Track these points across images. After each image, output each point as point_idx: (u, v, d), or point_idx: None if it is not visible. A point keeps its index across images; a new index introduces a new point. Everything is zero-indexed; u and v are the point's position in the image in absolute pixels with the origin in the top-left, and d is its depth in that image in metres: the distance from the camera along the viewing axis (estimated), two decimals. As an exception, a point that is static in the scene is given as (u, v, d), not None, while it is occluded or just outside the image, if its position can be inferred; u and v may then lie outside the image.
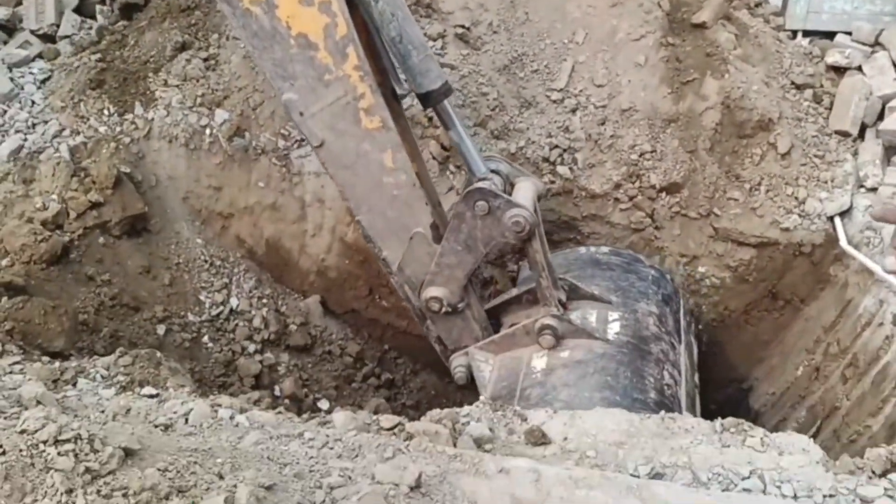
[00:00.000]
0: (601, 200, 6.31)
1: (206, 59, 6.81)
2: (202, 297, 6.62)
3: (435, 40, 6.46)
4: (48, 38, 7.64)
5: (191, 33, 6.94)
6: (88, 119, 6.61)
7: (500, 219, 4.60)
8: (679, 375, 5.15)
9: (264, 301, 6.90)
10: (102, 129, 6.57)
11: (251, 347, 6.71)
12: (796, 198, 6.26)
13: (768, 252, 6.32)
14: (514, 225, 4.58)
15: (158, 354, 4.50)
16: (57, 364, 4.26)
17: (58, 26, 7.66)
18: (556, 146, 6.31)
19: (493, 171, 4.93)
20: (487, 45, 6.57)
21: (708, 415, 4.43)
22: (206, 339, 6.52)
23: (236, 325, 6.69)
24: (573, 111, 6.40)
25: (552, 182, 6.28)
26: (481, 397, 4.45)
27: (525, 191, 4.88)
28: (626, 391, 4.71)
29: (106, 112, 6.66)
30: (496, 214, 4.59)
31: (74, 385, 4.06)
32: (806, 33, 7.46)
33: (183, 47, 6.86)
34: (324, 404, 6.59)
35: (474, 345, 5.16)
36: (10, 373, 3.98)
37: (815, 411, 5.90)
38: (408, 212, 4.68)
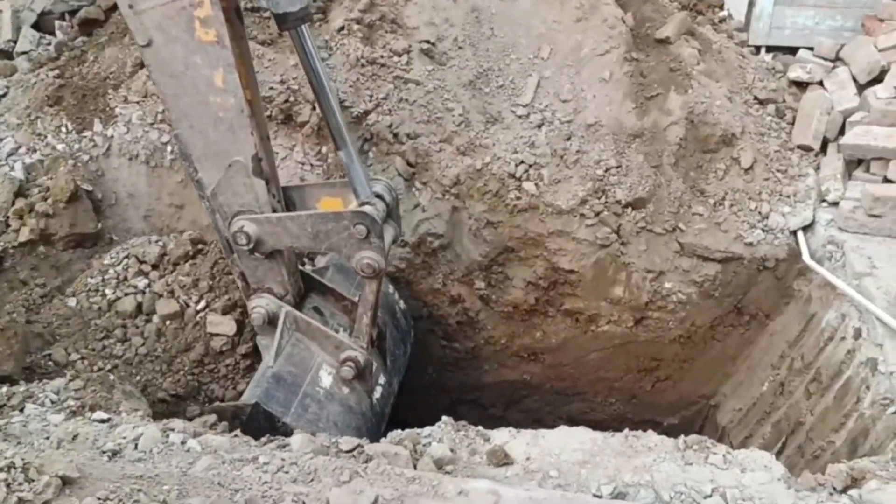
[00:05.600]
0: (567, 216, 6.28)
1: (167, 76, 6.72)
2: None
3: (400, 56, 6.43)
4: (5, 55, 7.49)
5: (152, 49, 6.84)
6: (45, 136, 6.46)
7: (360, 250, 4.71)
8: None
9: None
10: (60, 146, 6.42)
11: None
12: (759, 212, 6.29)
13: (733, 267, 6.33)
14: (366, 266, 4.73)
15: (112, 377, 4.37)
16: (4, 389, 4.12)
17: (15, 42, 7.53)
18: (522, 162, 6.28)
19: (377, 195, 4.96)
20: (453, 61, 6.54)
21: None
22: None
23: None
24: (539, 126, 6.39)
25: (518, 198, 6.24)
26: (271, 359, 4.79)
27: (386, 235, 4.98)
28: None
29: (64, 129, 6.52)
30: (362, 246, 4.69)
31: (22, 410, 3.92)
32: (769, 49, 7.55)
33: (143, 64, 6.76)
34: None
35: (292, 309, 5.11)
36: (-46, 399, 3.84)
37: (781, 427, 5.88)
38: (231, 137, 4.49)
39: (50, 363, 5.22)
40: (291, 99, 6.20)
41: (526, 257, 6.54)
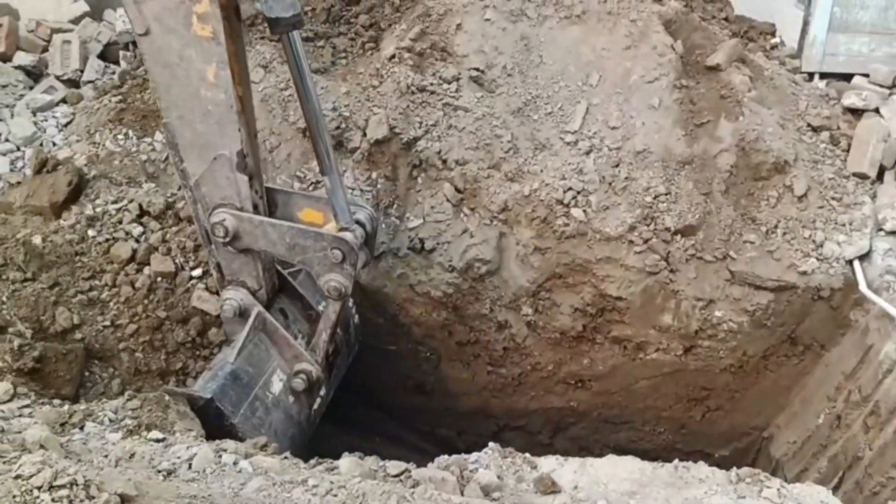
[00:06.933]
0: (615, 243, 6.25)
1: (224, 103, 6.90)
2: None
3: (450, 83, 6.52)
4: (72, 84, 7.82)
5: (210, 77, 7.05)
6: (104, 144, 6.63)
7: (330, 272, 4.86)
8: None
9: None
10: (117, 149, 6.57)
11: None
12: (814, 241, 6.18)
13: (786, 296, 6.21)
14: (333, 289, 4.90)
15: (167, 398, 4.47)
16: (66, 407, 4.24)
17: (82, 71, 7.86)
18: (570, 188, 6.29)
19: (358, 222, 5.06)
20: (502, 88, 6.60)
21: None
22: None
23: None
24: (587, 153, 6.39)
25: (566, 225, 6.24)
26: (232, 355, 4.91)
27: (359, 261, 5.07)
28: None
29: (123, 136, 6.67)
30: (334, 268, 4.83)
31: (82, 428, 4.04)
32: (822, 75, 7.47)
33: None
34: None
35: (264, 310, 5.20)
36: (19, 416, 3.97)
37: (837, 461, 5.72)
38: (218, 132, 4.58)
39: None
40: (343, 126, 6.33)
41: (573, 284, 6.51)
